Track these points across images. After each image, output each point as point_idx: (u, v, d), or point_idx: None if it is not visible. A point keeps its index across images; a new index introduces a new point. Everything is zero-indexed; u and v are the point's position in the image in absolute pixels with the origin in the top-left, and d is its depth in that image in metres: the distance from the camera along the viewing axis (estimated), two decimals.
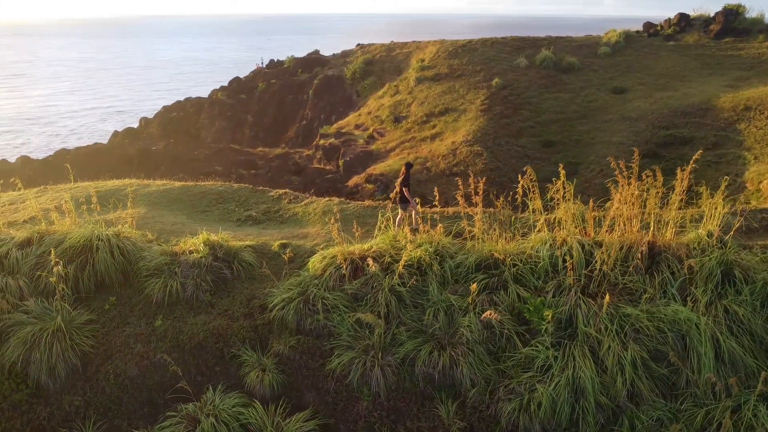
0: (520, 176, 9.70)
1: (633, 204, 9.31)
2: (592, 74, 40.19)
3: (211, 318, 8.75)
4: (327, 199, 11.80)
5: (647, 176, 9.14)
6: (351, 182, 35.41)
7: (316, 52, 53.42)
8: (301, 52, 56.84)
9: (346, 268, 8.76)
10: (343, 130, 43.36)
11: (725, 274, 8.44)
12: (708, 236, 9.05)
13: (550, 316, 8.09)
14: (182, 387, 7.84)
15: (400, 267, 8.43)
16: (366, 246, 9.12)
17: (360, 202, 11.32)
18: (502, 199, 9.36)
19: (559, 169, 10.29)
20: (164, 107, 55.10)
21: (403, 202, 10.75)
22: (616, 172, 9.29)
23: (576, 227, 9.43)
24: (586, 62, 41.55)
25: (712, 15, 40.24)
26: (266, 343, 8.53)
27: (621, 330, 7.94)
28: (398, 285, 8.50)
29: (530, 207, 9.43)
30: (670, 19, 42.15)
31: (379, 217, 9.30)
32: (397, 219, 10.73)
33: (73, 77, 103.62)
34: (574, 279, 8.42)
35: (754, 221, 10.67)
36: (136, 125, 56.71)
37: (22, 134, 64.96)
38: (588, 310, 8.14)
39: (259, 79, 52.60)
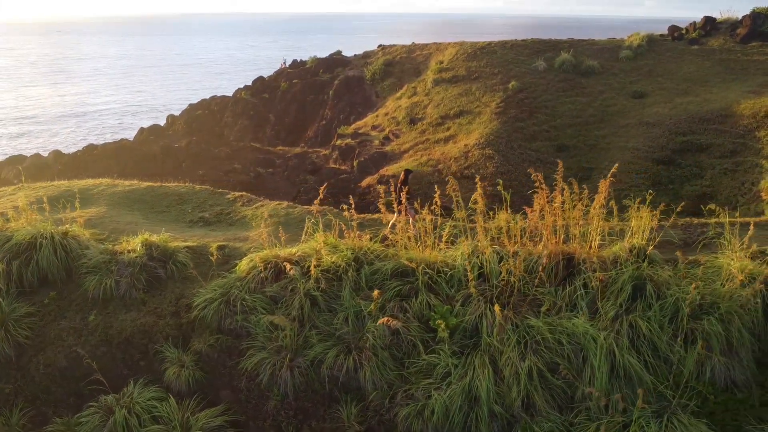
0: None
1: (557, 215, 9.39)
2: (612, 78, 39.59)
3: (140, 315, 9.25)
4: (276, 203, 12.20)
5: (567, 187, 9.19)
6: (364, 183, 35.78)
7: (339, 52, 54.04)
8: (333, 51, 57.47)
9: (267, 272, 9.12)
10: (360, 131, 43.81)
11: (638, 289, 8.47)
12: (630, 250, 9.07)
13: (452, 325, 8.28)
14: (100, 379, 8.34)
15: (312, 270, 8.75)
16: (294, 250, 9.47)
17: (306, 207, 11.66)
18: (426, 206, 9.54)
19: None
20: (190, 105, 56.62)
21: (410, 205, 10.71)
22: (537, 183, 9.36)
23: (498, 237, 9.56)
24: (606, 66, 40.95)
25: (739, 18, 39.15)
26: (188, 340, 8.98)
27: (522, 341, 8.07)
28: (313, 289, 8.82)
29: (455, 214, 9.59)
30: (695, 22, 41.17)
31: (307, 222, 9.61)
32: (390, 223, 10.92)
33: (111, 74, 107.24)
34: (477, 289, 8.57)
35: (693, 235, 10.58)
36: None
37: (59, 129, 67.62)
38: (493, 320, 8.29)
39: (281, 78, 53.54)
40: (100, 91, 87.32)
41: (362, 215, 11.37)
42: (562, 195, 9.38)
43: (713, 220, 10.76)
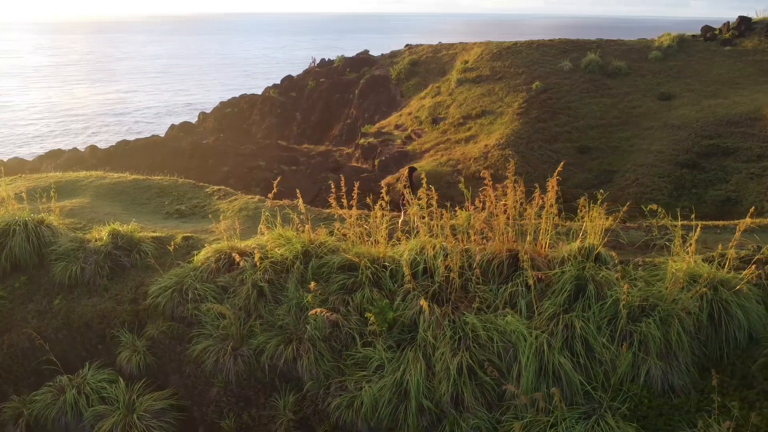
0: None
1: (508, 214, 9.36)
2: (640, 79, 38.72)
3: (102, 301, 9.65)
4: (249, 197, 12.47)
5: (514, 186, 9.17)
6: (384, 181, 35.91)
7: (366, 52, 54.36)
8: (373, 51, 57.83)
9: (220, 263, 9.40)
10: (383, 130, 44.03)
11: (581, 289, 8.39)
12: (580, 250, 8.99)
13: (390, 319, 8.38)
14: (57, 360, 8.75)
15: (258, 261, 8.97)
16: (250, 242, 9.72)
17: (278, 201, 11.87)
18: (378, 202, 9.63)
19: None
20: (221, 103, 57.83)
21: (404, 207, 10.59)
22: (486, 182, 9.35)
23: (453, 235, 9.57)
24: (634, 66, 40.06)
25: None
26: (143, 326, 9.33)
27: (456, 337, 8.11)
28: (260, 280, 9.04)
29: (407, 209, 9.66)
30: (728, 22, 39.92)
31: (263, 216, 9.84)
32: (399, 222, 11.06)
33: (151, 73, 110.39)
34: (420, 284, 8.64)
35: (655, 237, 10.37)
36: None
37: (98, 126, 70.00)
38: (430, 316, 8.35)
39: (309, 78, 54.18)
40: (140, 89, 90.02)
41: (330, 210, 11.49)
42: (515, 194, 9.31)
43: (679, 222, 10.53)
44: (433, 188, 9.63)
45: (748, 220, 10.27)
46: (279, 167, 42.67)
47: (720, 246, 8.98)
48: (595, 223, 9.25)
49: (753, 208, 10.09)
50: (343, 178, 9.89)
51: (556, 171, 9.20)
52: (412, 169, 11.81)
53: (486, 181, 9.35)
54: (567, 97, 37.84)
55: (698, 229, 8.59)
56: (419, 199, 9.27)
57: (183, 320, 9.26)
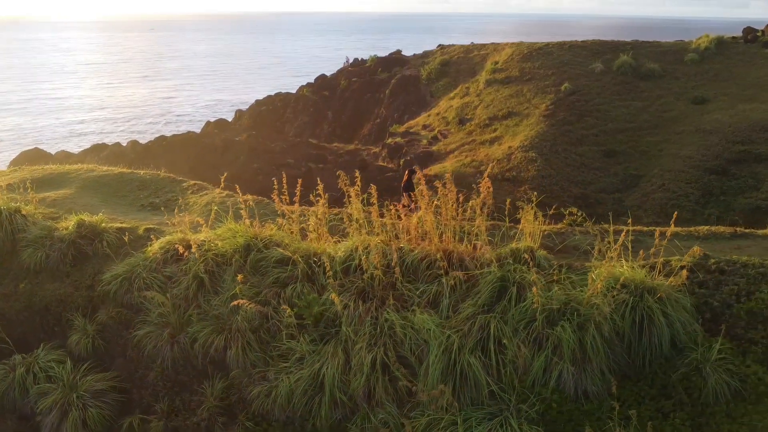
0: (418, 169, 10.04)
1: (447, 216, 9.44)
2: (674, 82, 37.60)
3: (62, 286, 10.25)
4: (219, 191, 12.89)
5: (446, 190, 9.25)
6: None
7: (398, 52, 54.59)
8: (418, 52, 58.03)
9: (169, 253, 9.84)
10: (411, 130, 44.20)
11: (505, 290, 8.41)
12: (514, 252, 8.99)
13: (315, 313, 8.61)
14: (19, 340, 9.36)
15: (195, 252, 9.35)
16: (201, 236, 10.12)
17: (245, 196, 12.20)
18: (320, 199, 9.87)
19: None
20: (257, 101, 59.07)
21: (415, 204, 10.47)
22: (420, 182, 9.44)
23: (394, 234, 9.71)
24: (669, 69, 38.92)
25: None
26: (96, 311, 9.86)
27: (375, 333, 8.27)
28: (201, 272, 9.42)
29: (347, 207, 9.85)
30: None
31: (212, 210, 10.22)
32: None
33: (198, 70, 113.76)
34: (351, 280, 8.83)
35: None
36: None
37: (143, 121, 72.64)
38: (354, 312, 8.54)
39: (342, 77, 54.80)
40: (186, 87, 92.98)
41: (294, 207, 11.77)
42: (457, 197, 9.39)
43: (626, 228, 10.35)
44: (371, 189, 9.78)
45: (677, 228, 10.04)
46: (307, 165, 43.32)
47: (657, 252, 8.82)
48: (531, 226, 9.24)
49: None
50: (359, 177, 9.99)
51: (484, 178, 9.18)
52: (411, 172, 11.77)
53: (421, 182, 9.44)
54: (596, 99, 37.11)
55: (624, 234, 8.48)
56: (370, 193, 9.46)
57: (131, 307, 9.75)
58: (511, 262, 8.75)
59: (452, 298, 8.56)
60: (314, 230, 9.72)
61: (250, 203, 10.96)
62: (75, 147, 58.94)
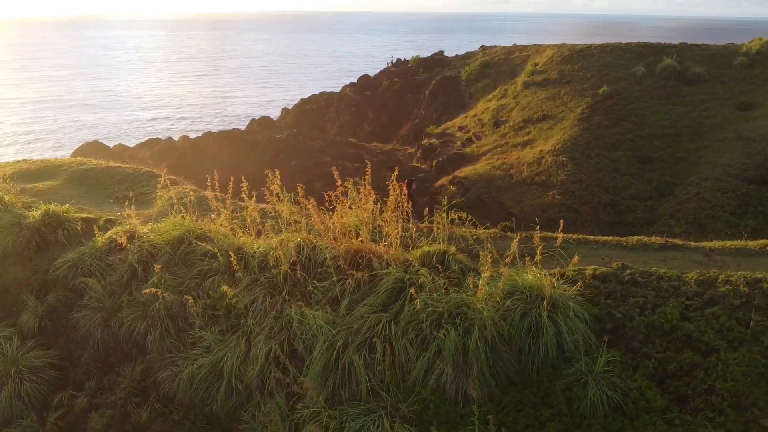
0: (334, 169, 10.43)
1: (365, 217, 9.69)
2: (719, 87, 35.99)
3: (24, 270, 11.18)
4: (186, 187, 13.55)
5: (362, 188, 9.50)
6: (438, 183, 36.37)
7: (440, 52, 54.57)
8: (436, 51, 58.18)
9: (113, 243, 10.56)
10: (447, 131, 44.26)
11: (402, 291, 8.60)
12: (424, 254, 9.16)
13: (225, 305, 9.09)
14: None
15: (125, 243, 10.00)
16: (146, 228, 10.80)
17: (206, 192, 12.80)
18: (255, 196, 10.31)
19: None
20: (301, 99, 60.37)
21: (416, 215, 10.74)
22: (338, 183, 9.73)
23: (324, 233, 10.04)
24: (715, 73, 37.27)
25: None
26: (47, 294, 10.71)
27: (275, 326, 8.66)
28: (134, 261, 10.08)
29: (274, 205, 10.20)
30: None
31: (159, 203, 10.87)
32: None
33: (255, 68, 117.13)
34: (264, 276, 9.24)
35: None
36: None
37: (198, 117, 75.62)
38: (261, 305, 8.96)
39: (384, 77, 55.31)
40: (242, 85, 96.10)
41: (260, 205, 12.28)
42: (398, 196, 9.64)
43: (558, 235, 10.28)
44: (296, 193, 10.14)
45: (607, 238, 9.90)
46: (343, 164, 44.00)
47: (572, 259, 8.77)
48: (442, 229, 9.37)
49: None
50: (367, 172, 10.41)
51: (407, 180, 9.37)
52: (410, 181, 11.97)
53: (338, 183, 9.73)
54: (635, 103, 36.04)
55: (538, 240, 8.51)
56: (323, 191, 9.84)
57: (76, 291, 10.53)
58: (416, 264, 8.93)
59: (354, 297, 8.82)
60: (248, 228, 10.18)
61: (212, 198, 11.53)
62: (132, 141, 62.12)
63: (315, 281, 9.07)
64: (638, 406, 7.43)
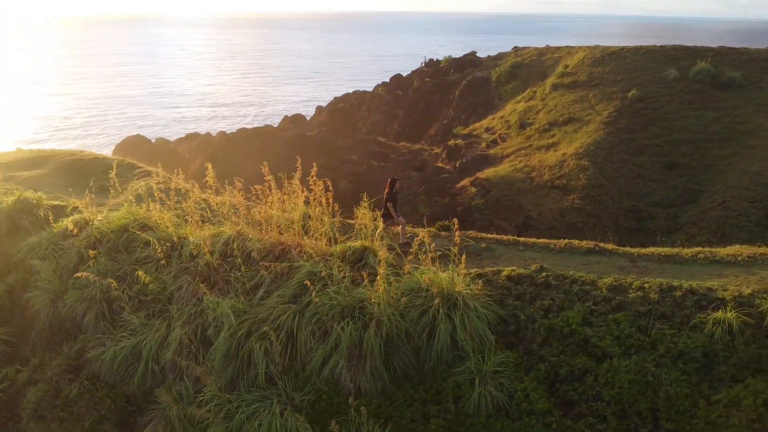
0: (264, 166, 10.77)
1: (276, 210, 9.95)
2: (756, 92, 34.59)
3: None
4: (155, 180, 14.09)
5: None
6: (460, 184, 36.37)
7: (473, 53, 54.25)
8: (467, 52, 57.95)
9: (67, 229, 11.18)
10: (474, 132, 44.08)
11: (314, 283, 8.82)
12: (344, 249, 9.35)
13: (154, 290, 9.52)
14: None
15: (75, 229, 10.56)
16: (101, 216, 11.39)
17: (176, 185, 13.29)
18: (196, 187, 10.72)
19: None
20: (335, 98, 61.04)
21: (388, 217, 10.76)
22: (267, 178, 10.00)
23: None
24: (753, 78, 35.82)
25: None
26: (9, 275, 11.44)
27: (193, 311, 9.04)
28: (82, 247, 10.66)
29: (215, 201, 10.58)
30: None
31: (128, 195, 11.46)
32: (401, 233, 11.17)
33: (299, 67, 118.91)
34: (191, 264, 9.63)
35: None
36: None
37: (238, 114, 77.46)
38: (185, 292, 9.35)
39: (415, 77, 55.39)
40: (285, 83, 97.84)
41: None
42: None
43: (492, 236, 10.28)
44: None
45: (533, 239, 9.83)
46: (369, 162, 44.47)
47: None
48: (367, 225, 9.53)
49: None
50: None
51: (298, 173, 9.60)
52: (393, 180, 12.09)
53: (266, 176, 10.01)
54: (664, 107, 35.05)
55: (458, 236, 8.58)
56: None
57: (34, 273, 11.19)
58: (332, 259, 9.13)
59: (270, 288, 9.09)
60: (190, 219, 10.60)
61: (172, 191, 12.03)
62: (173, 135, 64.12)
63: (237, 272, 9.39)
64: (521, 408, 7.43)
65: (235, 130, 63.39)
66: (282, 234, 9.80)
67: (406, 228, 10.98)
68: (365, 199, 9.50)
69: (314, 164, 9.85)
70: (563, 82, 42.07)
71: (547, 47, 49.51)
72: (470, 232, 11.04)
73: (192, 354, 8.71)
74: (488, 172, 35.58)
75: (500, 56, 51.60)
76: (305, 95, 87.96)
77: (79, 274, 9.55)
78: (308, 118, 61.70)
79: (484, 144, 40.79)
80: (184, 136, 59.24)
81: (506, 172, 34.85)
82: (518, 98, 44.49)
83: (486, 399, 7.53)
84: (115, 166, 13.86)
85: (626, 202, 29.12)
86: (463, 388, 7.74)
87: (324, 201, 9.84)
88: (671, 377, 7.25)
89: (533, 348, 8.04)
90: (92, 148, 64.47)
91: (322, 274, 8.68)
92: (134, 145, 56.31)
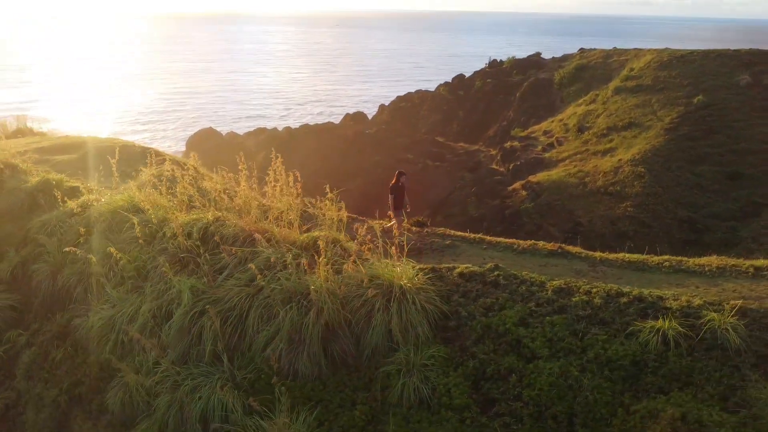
0: (241, 158, 11.39)
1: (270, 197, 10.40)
2: None
3: (14, 227, 13.13)
4: (169, 164, 14.86)
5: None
6: (511, 187, 36.20)
7: (537, 54, 53.19)
8: (532, 53, 57.04)
9: (72, 209, 12.15)
10: (532, 135, 43.51)
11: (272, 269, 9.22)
12: (308, 237, 9.71)
13: (131, 268, 10.23)
14: None
15: (77, 209, 11.47)
16: (104, 198, 12.34)
17: (183, 171, 14.06)
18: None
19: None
20: (398, 96, 61.51)
21: (397, 209, 10.98)
22: (241, 167, 10.48)
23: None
24: None
25: None
26: (25, 246, 12.57)
27: (163, 289, 9.68)
28: (82, 225, 11.58)
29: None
30: None
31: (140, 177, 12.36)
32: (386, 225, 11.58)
33: (371, 66, 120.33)
34: (171, 246, 10.28)
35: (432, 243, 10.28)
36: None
37: (306, 110, 79.53)
38: (158, 271, 10.00)
39: (477, 77, 55.03)
40: (356, 81, 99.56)
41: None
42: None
43: (460, 234, 10.30)
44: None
45: (489, 237, 9.77)
46: (424, 162, 44.72)
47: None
48: (329, 216, 9.84)
49: None
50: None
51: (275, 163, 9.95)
52: (400, 173, 11.99)
53: (241, 166, 10.49)
54: (732, 115, 33.36)
55: (429, 229, 8.75)
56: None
57: (41, 247, 12.23)
58: (294, 248, 9.51)
59: (234, 271, 9.58)
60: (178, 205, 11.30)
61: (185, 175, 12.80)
62: (243, 129, 66.76)
63: (207, 255, 9.93)
64: (441, 401, 7.53)
65: (298, 125, 65.27)
66: (258, 222, 10.26)
67: (402, 226, 11.10)
68: (328, 189, 9.78)
69: (279, 156, 10.18)
70: (626, 86, 40.73)
71: (615, 49, 47.95)
72: (439, 228, 11.10)
73: (156, 328, 9.32)
74: (540, 176, 35.00)
75: (565, 58, 50.39)
76: (373, 94, 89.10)
77: (67, 249, 10.39)
78: (372, 116, 62.53)
79: (540, 147, 40.15)
80: (252, 130, 61.53)
81: (559, 177, 34.17)
82: (579, 101, 43.44)
83: (410, 390, 7.67)
84: (140, 153, 14.83)
85: (682, 212, 27.96)
86: (391, 378, 7.91)
87: (295, 192, 10.23)
88: (593, 383, 7.13)
89: (467, 345, 8.09)
90: (166, 139, 68.14)
91: (284, 260, 9.05)
92: (206, 137, 59.06)
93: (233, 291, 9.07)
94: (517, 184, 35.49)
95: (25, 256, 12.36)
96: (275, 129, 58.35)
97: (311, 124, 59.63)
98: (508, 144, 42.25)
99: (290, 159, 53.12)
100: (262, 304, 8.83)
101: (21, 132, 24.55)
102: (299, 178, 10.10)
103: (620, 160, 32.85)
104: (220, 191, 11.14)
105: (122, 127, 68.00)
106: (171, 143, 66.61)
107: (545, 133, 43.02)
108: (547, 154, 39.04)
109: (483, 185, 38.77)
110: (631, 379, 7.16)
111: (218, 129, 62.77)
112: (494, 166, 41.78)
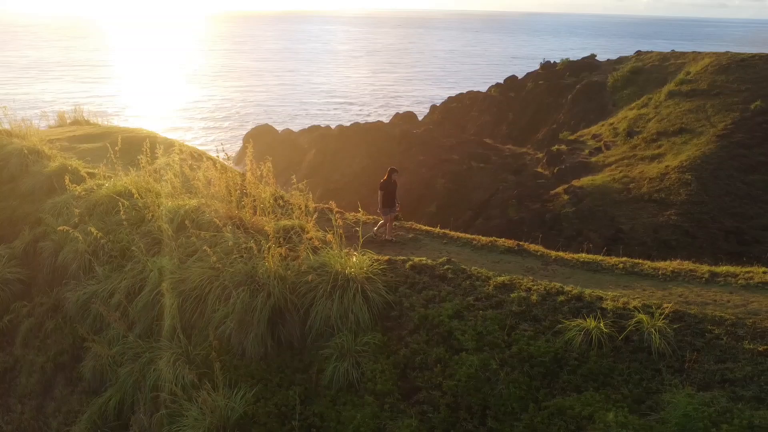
0: (223, 150, 12.06)
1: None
2: None
3: (31, 208, 14.27)
4: (177, 155, 15.66)
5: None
6: (554, 191, 35.87)
7: (592, 56, 51.94)
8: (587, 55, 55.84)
9: (82, 192, 13.10)
10: (581, 139, 42.77)
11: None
12: (279, 227, 10.17)
13: (120, 248, 10.99)
14: None
15: (80, 192, 12.38)
16: (106, 183, 13.24)
17: (190, 162, 14.82)
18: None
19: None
20: (449, 97, 61.48)
21: (386, 206, 10.97)
22: (224, 155, 11.04)
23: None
24: None
25: None
26: (36, 227, 13.66)
27: (140, 270, 10.37)
28: (83, 207, 12.49)
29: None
30: None
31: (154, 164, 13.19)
32: (378, 224, 11.70)
33: (431, 65, 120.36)
34: (144, 226, 10.98)
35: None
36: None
37: (360, 107, 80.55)
38: (138, 252, 10.71)
39: (529, 79, 54.32)
40: (414, 82, 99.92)
41: None
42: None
43: (425, 228, 10.50)
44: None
45: (447, 231, 9.88)
46: (469, 163, 44.69)
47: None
48: (303, 209, 10.27)
49: None
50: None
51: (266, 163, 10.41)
52: (392, 170, 11.82)
53: (223, 154, 11.06)
54: None
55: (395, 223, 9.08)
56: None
57: (50, 226, 13.25)
58: (259, 236, 9.99)
59: (203, 254, 10.14)
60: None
61: (186, 166, 13.60)
62: (299, 126, 68.39)
63: (183, 239, 10.56)
64: (366, 387, 7.80)
65: (349, 123, 66.21)
66: (232, 210, 10.81)
67: (390, 225, 11.25)
68: (294, 179, 10.20)
69: (251, 142, 10.65)
70: (681, 90, 39.36)
71: (672, 52, 46.30)
72: (408, 222, 11.32)
73: (129, 305, 10.01)
74: (584, 180, 34.36)
75: (620, 60, 49.05)
76: (429, 94, 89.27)
77: (61, 228, 11.27)
78: (422, 117, 62.71)
79: (586, 151, 39.35)
80: (307, 127, 62.93)
81: (603, 182, 33.48)
82: (632, 105, 42.30)
83: (340, 374, 7.98)
84: (161, 143, 15.76)
85: (728, 222, 26.91)
86: (327, 362, 8.24)
87: (269, 181, 10.73)
88: (510, 378, 7.23)
89: (403, 334, 8.32)
90: (225, 132, 70.55)
91: (248, 246, 9.55)
92: (262, 133, 60.92)
93: (197, 272, 9.63)
94: (559, 188, 34.90)
95: (36, 235, 13.40)
96: (328, 127, 59.44)
97: (362, 122, 60.40)
98: (554, 147, 41.58)
99: (339, 156, 53.98)
100: (220, 286, 9.35)
101: (77, 122, 26.19)
102: (272, 169, 10.55)
103: (667, 166, 31.85)
104: (201, 180, 11.76)
105: (181, 123, 70.85)
106: (230, 138, 68.80)
107: (594, 137, 42.10)
108: (593, 159, 38.23)
109: (525, 188, 38.28)
110: (549, 376, 7.21)
111: (274, 126, 64.60)
112: (539, 170, 41.19)
